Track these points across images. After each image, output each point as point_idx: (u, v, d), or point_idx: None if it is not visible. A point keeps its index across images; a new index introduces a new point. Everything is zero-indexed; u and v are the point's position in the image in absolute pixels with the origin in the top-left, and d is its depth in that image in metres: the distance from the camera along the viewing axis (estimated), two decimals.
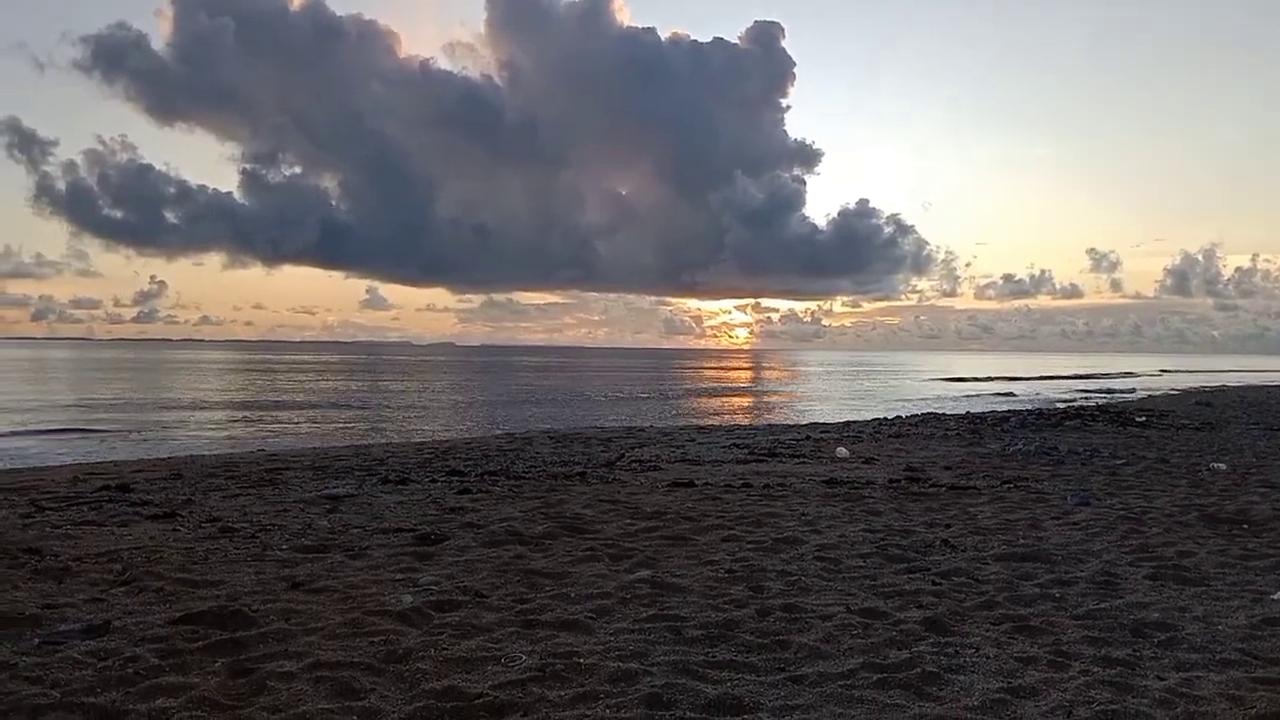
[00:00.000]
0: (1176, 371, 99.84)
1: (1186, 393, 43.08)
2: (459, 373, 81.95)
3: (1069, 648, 5.25)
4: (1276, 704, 4.47)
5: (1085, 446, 16.40)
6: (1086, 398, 41.12)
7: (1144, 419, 22.96)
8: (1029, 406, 32.95)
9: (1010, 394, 43.63)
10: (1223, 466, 13.48)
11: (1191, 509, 9.78)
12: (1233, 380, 66.88)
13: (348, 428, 26.64)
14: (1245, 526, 8.94)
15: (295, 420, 29.28)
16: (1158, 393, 45.42)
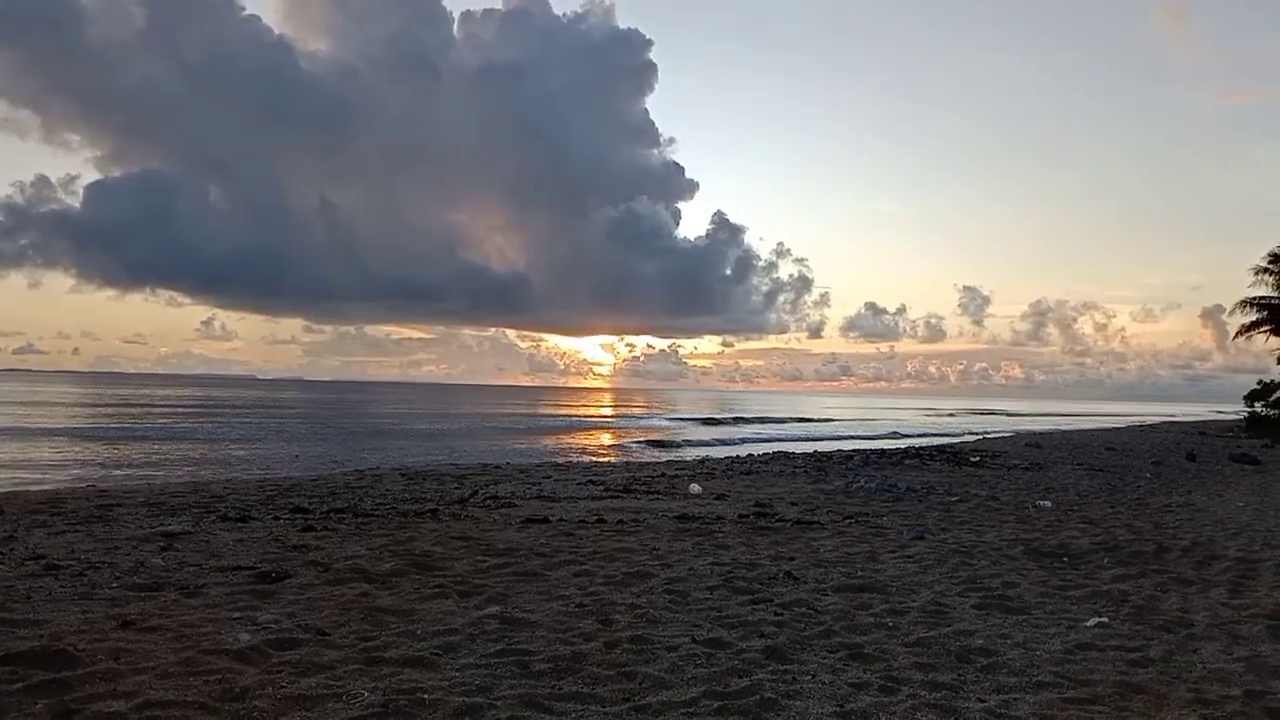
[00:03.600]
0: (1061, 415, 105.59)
1: (1018, 435, 45.61)
2: (307, 407, 79.43)
3: (899, 673, 5.54)
4: None
5: (923, 484, 17.21)
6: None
7: (978, 459, 24.23)
8: (872, 446, 34.26)
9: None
10: (1047, 504, 14.37)
11: (1017, 543, 10.40)
12: (1063, 424, 71.27)
13: (185, 463, 25.50)
14: (1065, 559, 9.58)
15: (129, 455, 27.83)
16: (992, 434, 47.97)
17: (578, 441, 42.69)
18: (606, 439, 45.79)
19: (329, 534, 10.12)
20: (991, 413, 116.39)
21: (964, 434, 50.92)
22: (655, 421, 68.45)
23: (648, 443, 42.01)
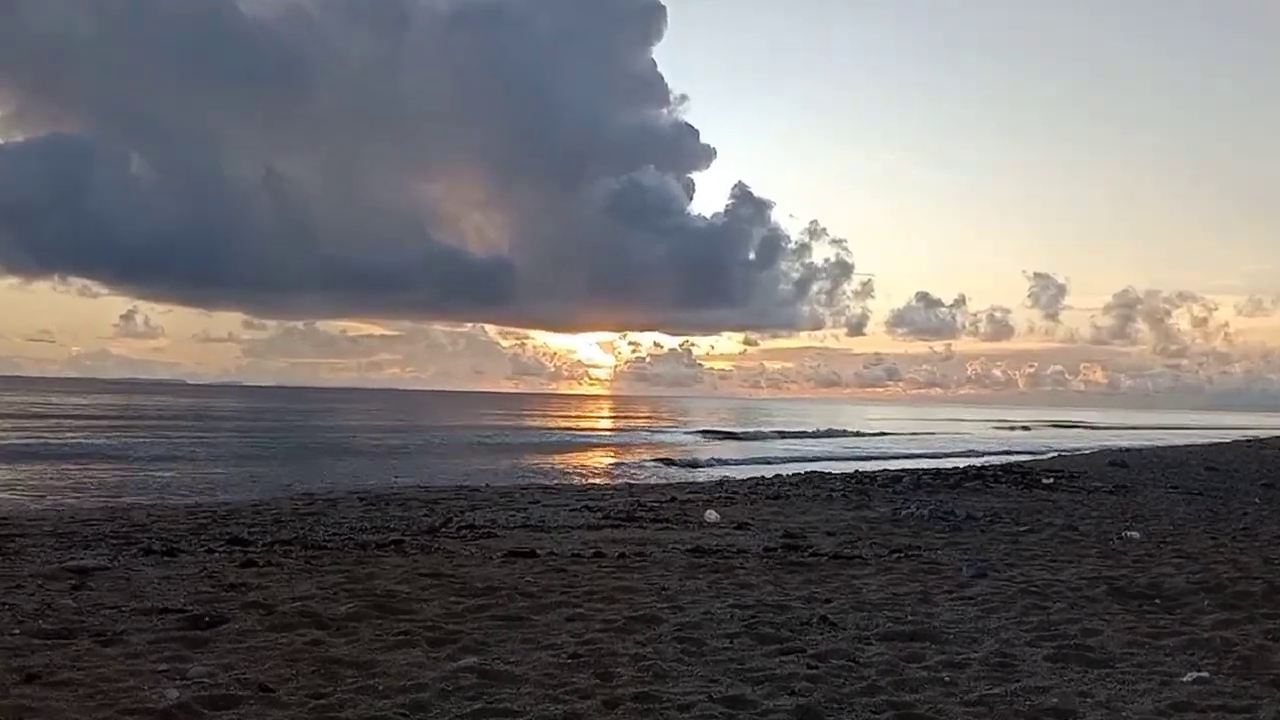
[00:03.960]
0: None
1: (1100, 451, 45.60)
2: (247, 418, 79.57)
3: None
4: None
5: (986, 510, 17.24)
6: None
7: (1052, 480, 24.25)
8: (924, 465, 34.28)
9: None
10: (1136, 535, 14.37)
11: (1100, 581, 10.41)
12: (1154, 438, 71.26)
13: (101, 486, 25.54)
14: (1157, 601, 9.56)
15: (33, 476, 27.90)
16: (1070, 451, 47.99)
17: (571, 459, 42.73)
18: (605, 456, 45.83)
19: (273, 570, 10.19)
20: (1069, 425, 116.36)
21: (1035, 450, 50.93)
22: (664, 435, 68.45)
23: (655, 461, 42.03)
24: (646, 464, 40.14)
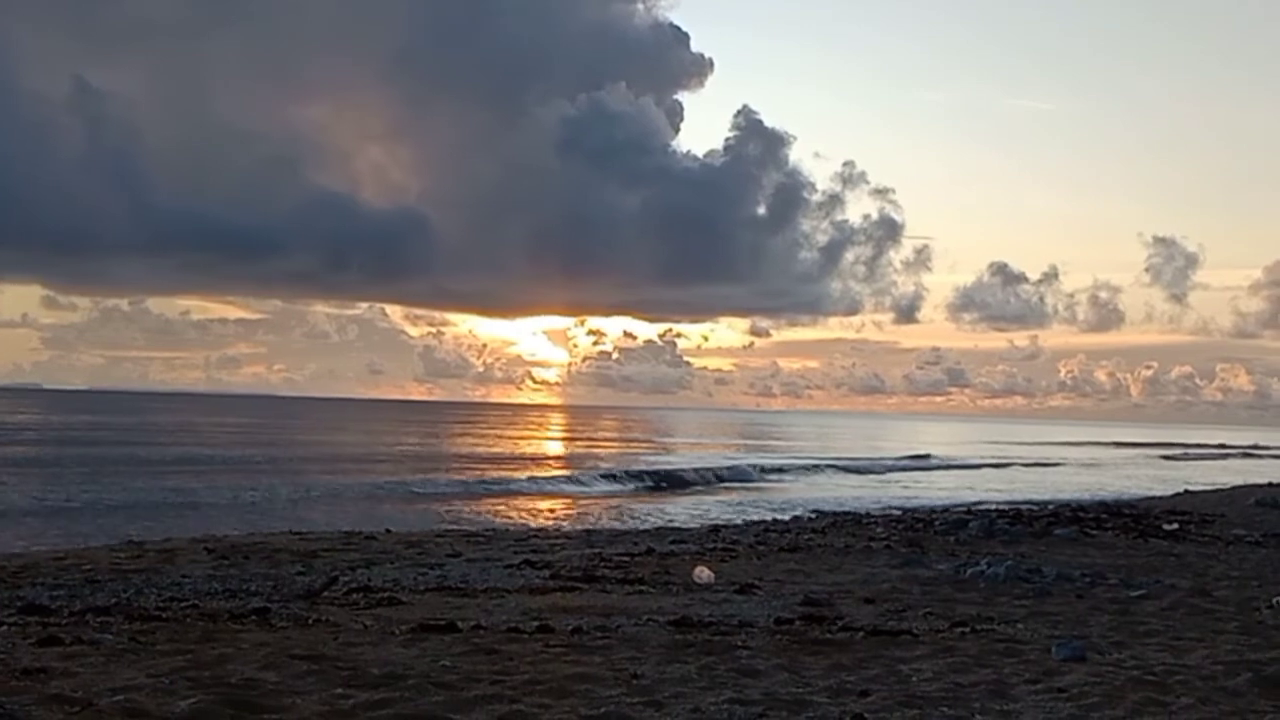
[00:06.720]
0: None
1: (1244, 487, 45.85)
2: (48, 435, 79.07)
3: None
4: None
5: (1084, 568, 17.35)
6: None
7: (1175, 526, 24.40)
8: (999, 504, 34.43)
9: None
10: None
11: (1242, 667, 10.42)
12: None
13: None
14: None
15: None
16: (1201, 486, 48.28)
17: (505, 497, 42.60)
18: (553, 491, 45.75)
19: (85, 650, 10.07)
20: (1198, 452, 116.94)
21: (1151, 484, 51.25)
22: (636, 462, 68.37)
23: (623, 497, 42.02)
24: (611, 501, 40.06)
